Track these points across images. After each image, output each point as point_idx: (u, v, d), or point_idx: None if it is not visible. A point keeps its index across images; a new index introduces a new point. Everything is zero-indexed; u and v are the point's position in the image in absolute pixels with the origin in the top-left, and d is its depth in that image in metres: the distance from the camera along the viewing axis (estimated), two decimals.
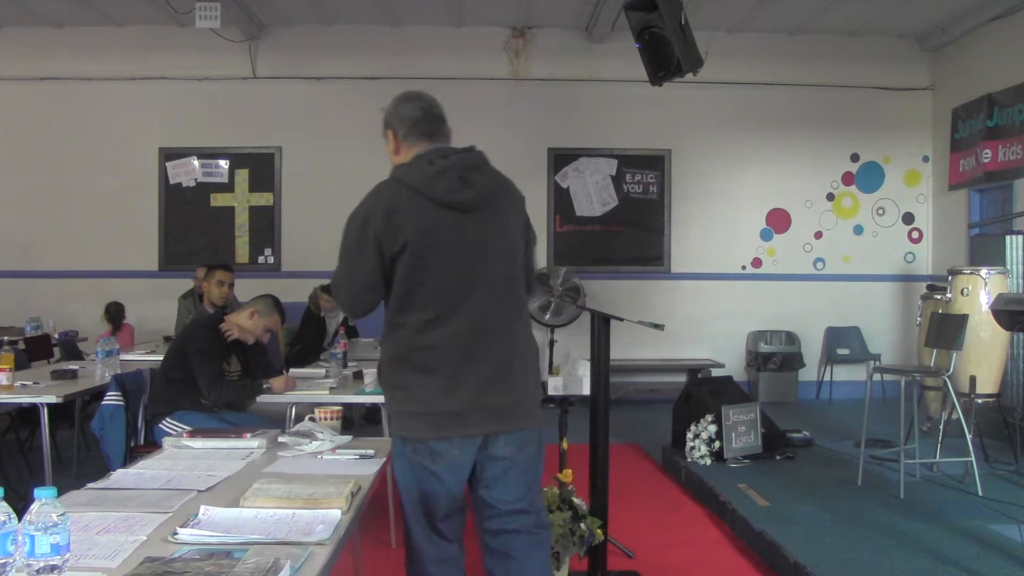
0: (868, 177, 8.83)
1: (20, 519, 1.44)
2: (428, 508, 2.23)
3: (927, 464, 5.00)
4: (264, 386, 3.96)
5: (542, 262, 8.58)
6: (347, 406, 4.47)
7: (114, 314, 6.97)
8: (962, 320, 4.78)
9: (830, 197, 8.82)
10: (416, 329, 2.20)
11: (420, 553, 2.28)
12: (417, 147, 2.31)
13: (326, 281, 7.14)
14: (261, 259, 8.61)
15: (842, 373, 8.63)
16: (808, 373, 8.64)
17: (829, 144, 8.74)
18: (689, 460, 5.27)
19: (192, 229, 8.57)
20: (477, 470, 2.26)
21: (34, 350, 5.97)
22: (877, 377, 5.33)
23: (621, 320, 3.47)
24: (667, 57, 5.30)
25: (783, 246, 8.79)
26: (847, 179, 8.83)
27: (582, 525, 3.37)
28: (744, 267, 8.79)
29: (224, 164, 8.60)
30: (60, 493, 1.52)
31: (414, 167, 2.25)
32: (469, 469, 2.24)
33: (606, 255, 8.69)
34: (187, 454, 2.67)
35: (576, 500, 3.48)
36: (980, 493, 4.52)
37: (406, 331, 2.22)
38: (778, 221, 8.81)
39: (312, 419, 2.96)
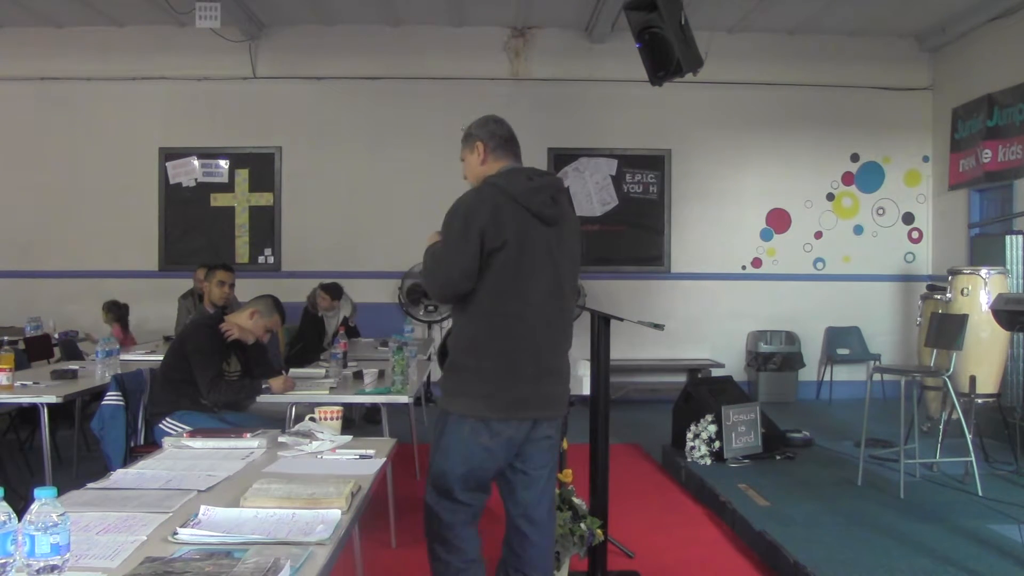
0: (868, 177, 8.83)
1: (20, 519, 1.44)
2: (468, 480, 2.50)
3: (927, 464, 5.00)
4: (264, 386, 3.96)
5: None
6: (347, 406, 4.47)
7: (121, 314, 6.94)
8: (962, 320, 4.78)
9: (830, 197, 8.82)
10: (496, 319, 2.48)
11: (448, 521, 2.53)
12: (503, 161, 2.64)
13: (326, 281, 7.22)
14: (261, 259, 8.61)
15: (842, 373, 8.63)
16: (808, 373, 8.64)
17: (829, 144, 8.74)
18: (689, 460, 5.27)
19: (192, 229, 8.57)
20: (522, 450, 2.55)
21: (34, 350, 5.97)
22: (877, 377, 5.33)
23: (621, 320, 3.47)
24: (667, 57, 5.29)
25: (783, 246, 8.80)
26: (847, 179, 8.83)
27: (582, 525, 3.37)
28: (744, 267, 8.79)
29: (224, 164, 8.61)
30: (60, 493, 1.52)
31: (513, 179, 2.55)
32: (517, 449, 2.53)
33: (606, 255, 8.69)
34: (187, 454, 2.67)
35: (576, 500, 3.48)
36: (980, 493, 4.52)
37: (486, 320, 2.49)
38: (778, 221, 8.81)
39: (312, 419, 2.96)
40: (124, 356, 5.20)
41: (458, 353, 2.52)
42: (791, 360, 8.44)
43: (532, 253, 2.48)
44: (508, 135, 2.67)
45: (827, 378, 8.65)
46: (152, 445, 3.78)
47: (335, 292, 7.07)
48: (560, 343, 2.61)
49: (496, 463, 2.51)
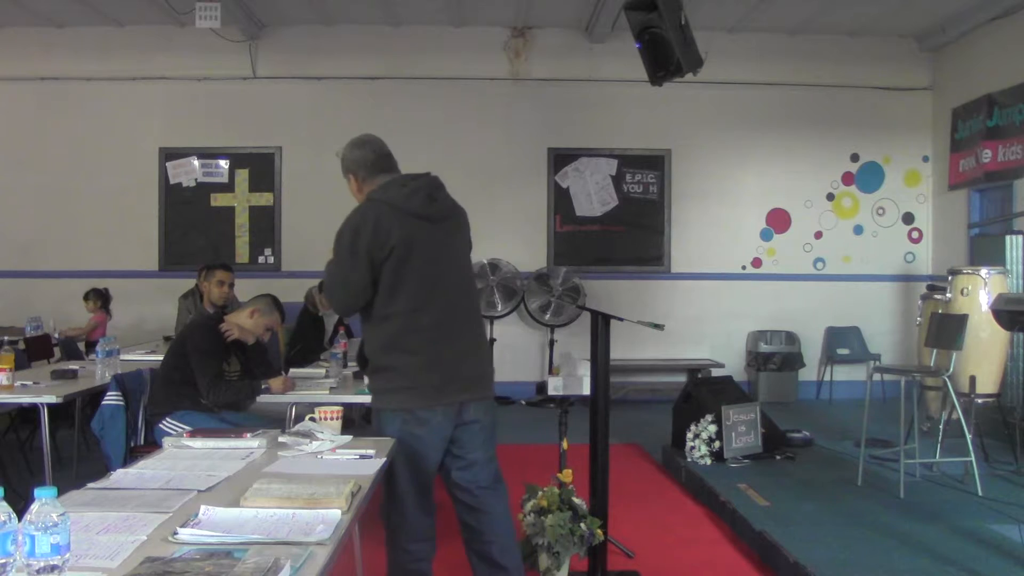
0: (868, 177, 8.83)
1: (20, 519, 1.44)
2: (419, 474, 2.68)
3: (927, 464, 5.00)
4: (263, 386, 3.96)
5: (543, 262, 8.58)
6: (347, 406, 4.47)
7: (105, 301, 7.05)
8: (962, 320, 4.78)
9: (830, 197, 8.82)
10: (403, 318, 2.65)
11: (410, 527, 2.72)
12: (379, 179, 2.79)
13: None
14: (261, 259, 8.61)
15: (842, 373, 8.63)
16: (808, 373, 8.64)
17: (829, 144, 8.74)
18: (689, 460, 5.27)
19: (192, 229, 8.57)
20: (454, 436, 2.73)
21: (34, 350, 5.96)
22: (877, 377, 5.33)
23: (621, 320, 3.47)
24: (667, 57, 5.30)
25: (783, 246, 8.80)
26: (847, 179, 8.83)
27: (582, 525, 3.37)
28: (744, 267, 8.79)
29: (224, 164, 8.61)
30: (60, 493, 1.52)
31: (389, 189, 2.73)
32: (450, 434, 2.71)
33: (606, 255, 8.69)
34: (187, 454, 2.67)
35: (576, 500, 3.48)
36: (980, 493, 4.52)
37: (394, 321, 2.66)
38: (778, 221, 8.81)
39: (312, 419, 2.96)
40: (125, 356, 5.20)
41: (376, 355, 2.71)
42: (791, 360, 8.44)
43: (423, 251, 2.66)
44: (378, 154, 2.81)
45: (827, 378, 8.65)
46: (152, 445, 3.78)
47: None
48: (471, 326, 2.80)
49: (433, 452, 2.69)
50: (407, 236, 2.65)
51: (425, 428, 2.66)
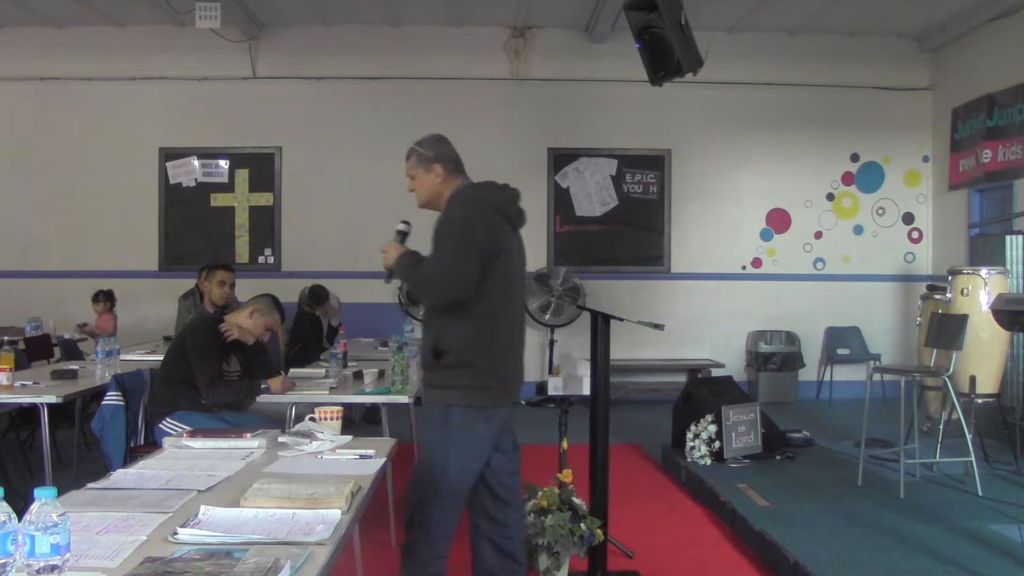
0: (868, 177, 8.83)
1: (20, 519, 1.44)
2: (473, 470, 2.74)
3: (927, 464, 5.00)
4: (263, 386, 3.95)
5: (543, 262, 8.58)
6: (347, 406, 4.47)
7: (112, 303, 7.10)
8: (962, 320, 4.78)
9: (830, 197, 8.82)
10: (487, 319, 2.72)
11: (448, 524, 2.72)
12: (459, 179, 2.85)
13: (321, 281, 7.21)
14: (261, 259, 8.61)
15: (842, 373, 8.63)
16: (808, 373, 8.64)
17: (829, 144, 8.74)
18: (689, 460, 5.27)
19: (192, 229, 8.57)
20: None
21: (34, 350, 5.97)
22: (877, 377, 5.33)
23: (621, 320, 3.47)
24: (667, 57, 5.30)
25: (783, 246, 8.80)
26: (847, 179, 8.83)
27: (582, 525, 3.37)
28: (744, 267, 8.79)
29: (224, 164, 8.61)
30: (60, 493, 1.52)
31: (488, 191, 2.84)
32: (500, 433, 2.81)
33: (606, 255, 8.69)
34: (187, 454, 2.67)
35: (576, 500, 3.48)
36: (980, 493, 4.52)
37: (479, 320, 2.70)
38: (778, 221, 8.81)
39: (312, 419, 2.96)
40: (125, 356, 5.21)
41: (460, 351, 2.70)
42: (791, 360, 8.44)
43: (509, 257, 2.77)
44: (457, 156, 2.88)
45: (827, 378, 8.65)
46: (152, 445, 3.79)
47: (317, 298, 7.04)
48: (523, 336, 2.95)
49: (488, 450, 2.77)
50: (505, 240, 2.76)
51: (490, 427, 2.74)
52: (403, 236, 2.89)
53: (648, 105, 8.36)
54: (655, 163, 8.73)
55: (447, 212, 2.77)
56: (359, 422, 6.61)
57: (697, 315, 8.66)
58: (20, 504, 1.55)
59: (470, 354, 2.70)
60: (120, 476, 2.35)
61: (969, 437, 4.70)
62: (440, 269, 2.68)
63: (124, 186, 8.47)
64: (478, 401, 2.70)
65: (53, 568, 1.43)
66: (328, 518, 1.88)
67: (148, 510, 1.96)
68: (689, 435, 5.33)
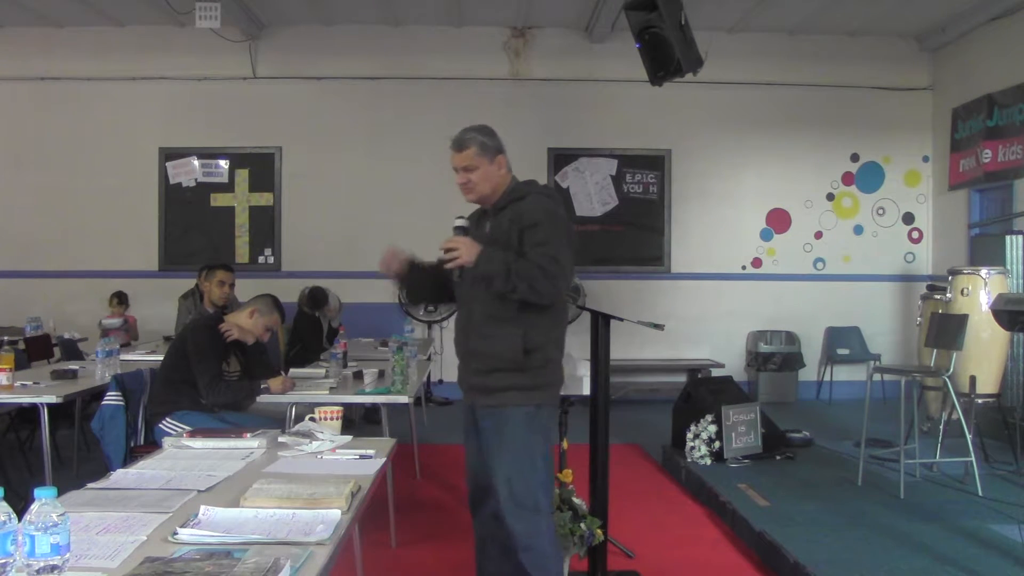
0: (868, 177, 8.83)
1: (20, 519, 1.44)
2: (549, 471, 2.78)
3: (927, 464, 5.00)
4: (263, 386, 3.95)
5: None
6: (347, 406, 4.47)
7: (127, 304, 7.26)
8: (962, 320, 4.78)
9: (830, 197, 8.82)
10: (558, 313, 2.77)
11: (549, 512, 2.75)
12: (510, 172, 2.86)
13: (321, 281, 7.20)
14: (261, 259, 8.61)
15: (842, 373, 8.62)
16: (808, 373, 8.64)
17: (829, 144, 8.74)
18: (689, 460, 5.27)
19: (192, 229, 8.57)
20: None
21: (34, 350, 5.97)
22: (877, 377, 5.33)
23: (621, 320, 3.46)
24: (667, 57, 5.30)
25: (783, 246, 8.79)
26: (847, 179, 8.83)
27: (582, 525, 3.36)
28: (744, 267, 8.79)
29: (224, 164, 8.61)
30: (60, 493, 1.52)
31: (544, 186, 2.90)
32: None
33: (606, 255, 8.69)
34: (187, 454, 2.67)
35: (576, 500, 3.48)
36: (980, 493, 4.52)
37: (552, 315, 2.73)
38: (778, 221, 8.81)
39: (312, 419, 2.96)
40: (124, 356, 5.21)
41: (546, 346, 2.71)
42: (791, 360, 8.44)
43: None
44: None
45: (827, 378, 8.65)
46: (152, 445, 3.78)
47: (317, 302, 7.01)
48: None
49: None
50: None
51: (554, 421, 2.88)
52: (464, 231, 2.71)
53: (648, 105, 8.36)
54: (655, 163, 8.73)
55: (537, 204, 2.68)
56: (359, 422, 6.62)
57: (697, 315, 8.66)
58: (20, 504, 1.55)
59: (552, 350, 2.74)
60: (120, 476, 2.35)
61: (969, 437, 4.70)
62: (556, 265, 2.58)
63: (124, 186, 8.46)
64: (555, 399, 2.78)
65: (53, 568, 1.43)
66: (328, 518, 1.88)
67: (148, 510, 1.96)
68: (689, 435, 5.33)
